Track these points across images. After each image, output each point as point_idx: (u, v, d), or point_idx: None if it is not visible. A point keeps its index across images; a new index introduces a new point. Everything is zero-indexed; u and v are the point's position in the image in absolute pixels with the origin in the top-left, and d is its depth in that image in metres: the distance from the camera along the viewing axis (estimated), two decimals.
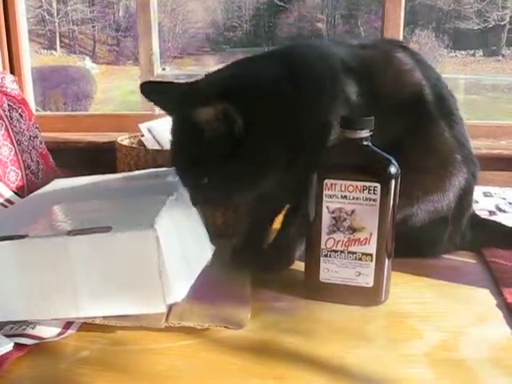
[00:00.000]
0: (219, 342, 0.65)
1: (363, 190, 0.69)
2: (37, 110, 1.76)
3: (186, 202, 0.80)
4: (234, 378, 0.59)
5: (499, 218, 1.03)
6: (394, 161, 0.70)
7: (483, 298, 0.75)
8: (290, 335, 0.67)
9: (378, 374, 0.59)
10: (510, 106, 6.12)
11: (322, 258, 0.73)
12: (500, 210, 1.08)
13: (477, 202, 0.99)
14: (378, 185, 0.68)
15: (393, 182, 0.69)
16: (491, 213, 1.05)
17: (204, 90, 0.81)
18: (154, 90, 0.86)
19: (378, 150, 0.71)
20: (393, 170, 0.70)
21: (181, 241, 0.68)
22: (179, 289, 0.64)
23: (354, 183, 0.69)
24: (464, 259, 0.87)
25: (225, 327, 0.66)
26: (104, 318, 0.63)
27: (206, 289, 0.69)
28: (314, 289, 0.74)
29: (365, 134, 0.71)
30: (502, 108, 6.06)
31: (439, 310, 0.72)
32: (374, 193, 0.68)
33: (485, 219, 0.96)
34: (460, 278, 0.81)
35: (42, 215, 0.69)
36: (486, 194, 0.99)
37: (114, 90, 6.32)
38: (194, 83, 0.86)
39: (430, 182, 0.86)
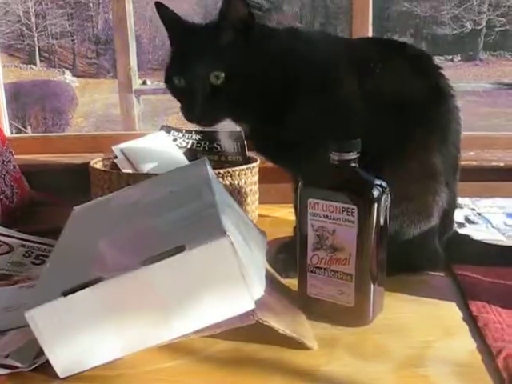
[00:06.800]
0: (205, 360, 0.66)
1: (342, 211, 0.70)
2: (17, 130, 1.73)
3: (225, 196, 0.80)
4: None
5: (468, 229, 1.04)
6: (378, 184, 0.71)
7: (450, 312, 0.76)
8: (264, 350, 0.68)
9: None
10: (487, 110, 6.22)
11: (308, 274, 0.74)
12: (469, 221, 1.10)
13: None
14: (355, 207, 0.69)
15: (374, 205, 0.69)
16: (460, 225, 1.06)
17: None
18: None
19: (364, 173, 0.72)
20: (375, 193, 0.70)
21: (243, 235, 0.69)
22: (260, 281, 0.66)
23: (334, 204, 0.70)
24: (432, 272, 0.88)
25: (302, 342, 0.66)
26: (196, 332, 0.63)
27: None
28: (304, 302, 0.76)
29: (352, 156, 0.71)
30: (481, 112, 6.17)
31: (406, 324, 0.73)
32: (352, 215, 0.69)
33: (457, 234, 0.96)
34: (428, 291, 0.82)
35: (97, 252, 0.68)
36: None
37: (95, 103, 6.33)
38: None
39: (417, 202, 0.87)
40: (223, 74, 0.79)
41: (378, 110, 0.83)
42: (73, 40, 7.72)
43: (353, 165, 0.72)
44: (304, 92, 0.84)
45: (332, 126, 0.82)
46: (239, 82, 0.81)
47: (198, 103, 0.81)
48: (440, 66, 0.89)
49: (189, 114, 0.83)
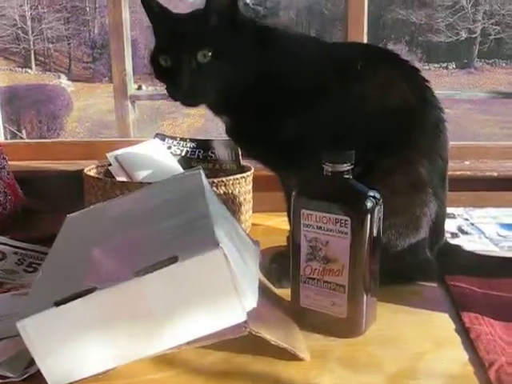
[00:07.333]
0: (197, 371, 0.66)
1: (335, 222, 0.70)
2: (11, 134, 1.72)
3: (219, 206, 0.80)
4: None
5: (461, 240, 1.02)
6: (371, 195, 0.71)
7: (442, 323, 0.77)
8: (256, 362, 0.68)
9: None
10: (481, 117, 6.25)
11: (301, 284, 0.75)
12: (462, 231, 1.09)
13: None
14: (349, 218, 0.69)
15: (368, 216, 0.70)
16: (453, 235, 1.06)
17: None
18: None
19: (358, 184, 0.72)
20: (368, 204, 0.70)
21: (236, 246, 0.69)
22: (252, 293, 0.66)
23: (327, 215, 0.70)
24: (425, 283, 0.88)
25: (294, 353, 0.66)
26: (187, 344, 0.63)
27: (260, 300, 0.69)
28: (296, 313, 0.76)
29: (345, 167, 0.71)
30: (476, 118, 6.20)
31: (399, 336, 0.73)
32: (346, 226, 0.69)
33: (448, 245, 0.96)
34: (421, 302, 0.82)
35: (90, 261, 0.68)
36: (449, 216, 1.00)
37: (90, 108, 6.31)
38: None
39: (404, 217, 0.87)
40: (210, 53, 0.81)
41: (362, 120, 0.84)
42: (69, 44, 7.72)
43: (346, 176, 0.72)
44: (281, 95, 0.85)
45: (306, 131, 0.84)
46: (225, 62, 0.82)
47: (184, 80, 0.81)
48: (427, 78, 0.89)
49: (174, 91, 0.84)
